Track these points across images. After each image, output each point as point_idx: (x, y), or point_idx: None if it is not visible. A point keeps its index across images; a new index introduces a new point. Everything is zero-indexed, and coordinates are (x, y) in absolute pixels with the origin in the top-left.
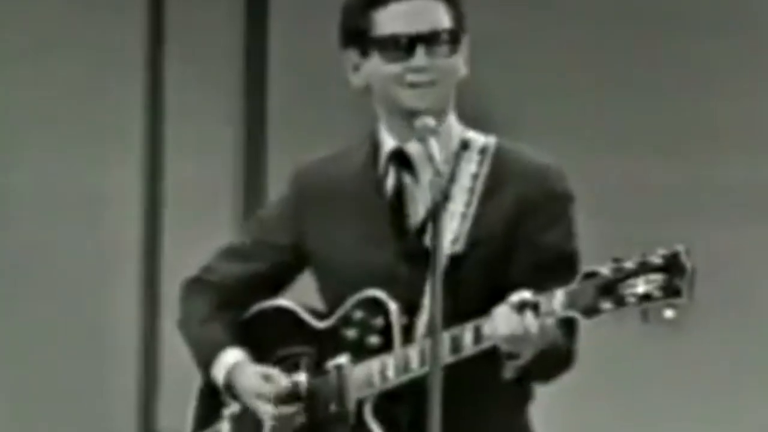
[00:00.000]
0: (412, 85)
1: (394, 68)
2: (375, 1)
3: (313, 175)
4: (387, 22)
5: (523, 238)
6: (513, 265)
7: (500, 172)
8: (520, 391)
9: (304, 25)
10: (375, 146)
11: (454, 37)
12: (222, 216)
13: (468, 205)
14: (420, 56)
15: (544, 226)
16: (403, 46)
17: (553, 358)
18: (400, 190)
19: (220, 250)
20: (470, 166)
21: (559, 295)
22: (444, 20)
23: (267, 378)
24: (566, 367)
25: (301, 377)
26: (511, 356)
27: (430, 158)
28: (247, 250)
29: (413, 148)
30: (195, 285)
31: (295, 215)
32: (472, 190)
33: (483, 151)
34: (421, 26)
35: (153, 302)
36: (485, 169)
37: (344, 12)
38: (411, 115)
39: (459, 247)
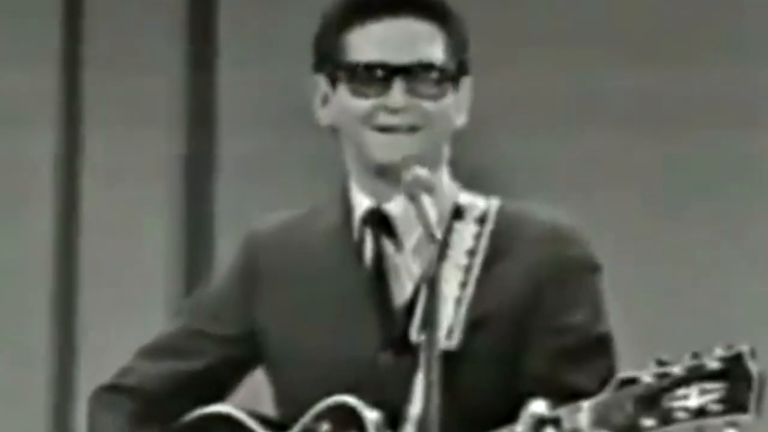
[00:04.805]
0: (384, 129)
1: (363, 105)
2: (348, 19)
3: (270, 243)
4: (360, 46)
5: (537, 321)
6: (527, 355)
7: (504, 242)
8: None
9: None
10: (347, 206)
11: (446, 75)
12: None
13: (463, 286)
14: (397, 93)
15: (563, 304)
16: (376, 78)
17: None
18: (379, 262)
19: (141, 348)
20: (465, 238)
21: (585, 410)
22: (435, 51)
23: None
24: None
25: None
26: None
27: (424, 222)
28: (179, 344)
29: (394, 207)
30: (107, 396)
31: (245, 296)
32: (468, 269)
33: (482, 219)
34: (403, 56)
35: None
36: (485, 242)
37: (318, 29)
38: (382, 168)
39: (454, 341)
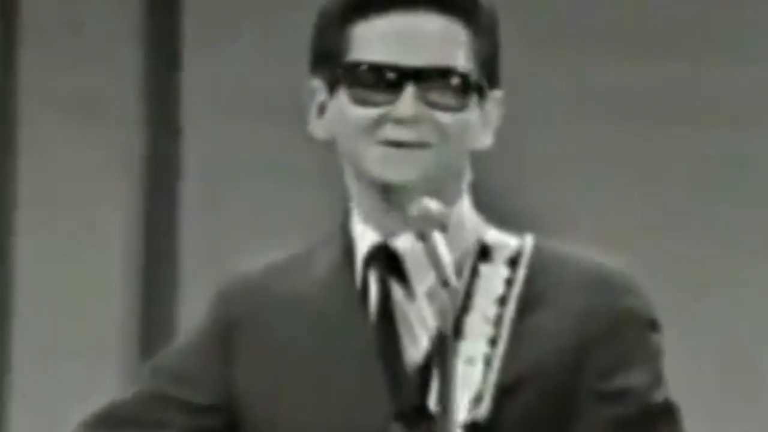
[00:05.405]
0: (389, 144)
1: (366, 115)
2: (351, 11)
3: (251, 296)
4: (365, 44)
5: (584, 384)
6: (573, 426)
7: (542, 288)
8: None
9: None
10: (348, 242)
11: (469, 84)
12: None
13: (493, 343)
14: (407, 101)
15: (615, 364)
16: (383, 83)
17: None
18: (387, 312)
19: (85, 419)
20: (494, 284)
21: None
22: (457, 54)
23: None
24: None
25: None
26: None
27: (436, 266)
28: (137, 413)
29: (403, 243)
30: None
31: (221, 357)
32: (498, 321)
33: (514, 260)
34: (416, 57)
35: None
36: (518, 288)
37: (315, 23)
38: (386, 189)
39: (483, 409)
